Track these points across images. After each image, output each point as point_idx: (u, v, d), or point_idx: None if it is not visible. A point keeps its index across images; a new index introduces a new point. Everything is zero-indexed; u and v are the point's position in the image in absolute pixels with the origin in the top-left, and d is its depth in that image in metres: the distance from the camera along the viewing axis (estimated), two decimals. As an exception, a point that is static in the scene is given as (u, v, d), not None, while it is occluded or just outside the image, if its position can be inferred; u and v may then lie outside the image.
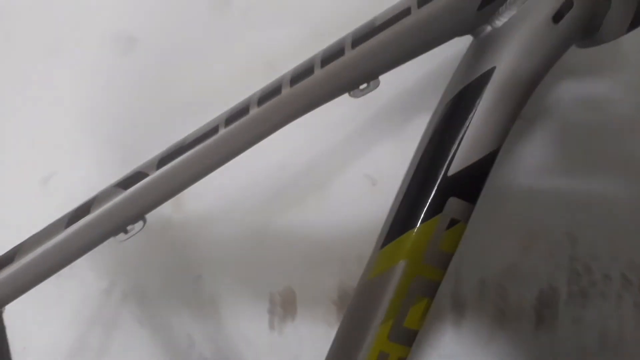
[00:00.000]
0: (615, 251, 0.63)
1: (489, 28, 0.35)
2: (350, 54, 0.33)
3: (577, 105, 0.60)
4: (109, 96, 0.71)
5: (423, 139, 0.37)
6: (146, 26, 0.67)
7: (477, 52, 0.35)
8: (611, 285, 0.64)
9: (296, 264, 0.71)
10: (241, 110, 0.33)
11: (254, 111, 0.33)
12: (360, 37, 0.33)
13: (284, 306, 0.72)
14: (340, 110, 0.63)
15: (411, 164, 0.38)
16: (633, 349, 0.64)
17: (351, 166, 0.66)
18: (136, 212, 0.33)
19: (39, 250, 0.32)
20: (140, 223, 0.33)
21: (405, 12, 0.33)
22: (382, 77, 0.35)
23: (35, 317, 0.85)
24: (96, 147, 0.73)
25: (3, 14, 0.70)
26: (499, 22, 0.35)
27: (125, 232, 0.33)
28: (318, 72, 0.33)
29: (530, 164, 0.61)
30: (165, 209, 0.70)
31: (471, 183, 0.35)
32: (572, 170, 0.61)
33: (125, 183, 0.32)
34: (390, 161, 0.58)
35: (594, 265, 0.64)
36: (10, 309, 0.83)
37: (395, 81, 0.54)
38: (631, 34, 0.36)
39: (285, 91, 0.33)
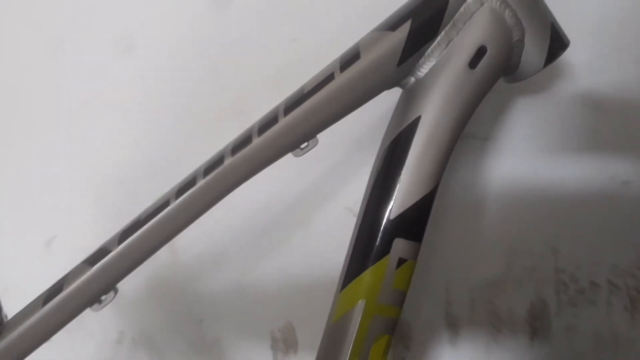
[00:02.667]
0: (598, 258, 0.63)
1: (412, 79, 0.38)
2: (284, 121, 0.36)
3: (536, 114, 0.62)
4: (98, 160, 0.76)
5: (368, 185, 0.40)
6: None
7: (405, 102, 0.38)
8: (599, 291, 0.64)
9: (292, 299, 0.73)
10: (189, 183, 0.36)
11: (200, 183, 0.36)
12: (291, 104, 0.36)
13: (285, 341, 0.74)
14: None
15: (361, 207, 0.40)
16: (628, 351, 0.64)
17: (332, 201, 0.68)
18: (106, 284, 0.36)
19: (21, 329, 0.35)
20: (112, 293, 0.36)
21: (330, 78, 0.36)
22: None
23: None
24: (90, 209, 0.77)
25: None
26: (421, 73, 0.37)
27: (100, 302, 0.37)
28: (256, 140, 0.36)
29: (498, 179, 0.62)
30: (162, 259, 0.74)
31: (414, 223, 0.38)
32: (543, 179, 0.62)
33: (92, 260, 0.36)
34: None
35: (578, 274, 0.64)
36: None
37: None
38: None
39: (228, 161, 0.36)
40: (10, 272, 0.86)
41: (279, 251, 0.71)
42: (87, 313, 0.42)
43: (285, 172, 0.66)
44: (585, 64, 0.58)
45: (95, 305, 0.36)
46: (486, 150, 0.63)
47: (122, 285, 0.43)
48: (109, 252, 0.35)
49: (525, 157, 0.61)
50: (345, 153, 0.67)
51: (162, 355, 0.80)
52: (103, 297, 0.36)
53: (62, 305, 0.35)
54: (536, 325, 0.66)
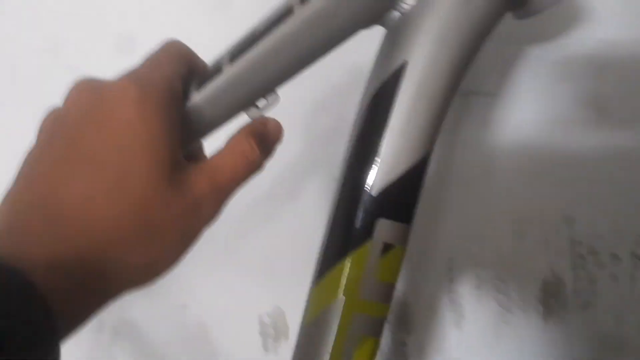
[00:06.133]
0: (619, 228, 0.57)
1: (397, 15, 0.29)
2: (229, 71, 0.28)
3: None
4: None
5: (345, 155, 0.32)
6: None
7: (389, 45, 0.29)
8: (621, 265, 0.58)
9: (281, 283, 0.66)
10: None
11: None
12: (239, 49, 0.28)
13: (276, 328, 0.69)
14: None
15: (337, 184, 0.32)
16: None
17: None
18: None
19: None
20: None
21: (288, 13, 0.27)
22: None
23: None
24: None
25: None
26: (407, 5, 0.29)
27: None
28: (195, 98, 0.27)
29: (507, 141, 0.55)
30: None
31: (400, 200, 0.30)
32: (558, 141, 0.54)
33: None
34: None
35: (598, 245, 0.58)
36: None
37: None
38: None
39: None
40: None
41: (263, 231, 0.64)
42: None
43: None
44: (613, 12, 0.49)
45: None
46: (493, 108, 0.56)
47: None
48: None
49: (537, 116, 0.54)
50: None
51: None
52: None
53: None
54: (550, 304, 0.60)
